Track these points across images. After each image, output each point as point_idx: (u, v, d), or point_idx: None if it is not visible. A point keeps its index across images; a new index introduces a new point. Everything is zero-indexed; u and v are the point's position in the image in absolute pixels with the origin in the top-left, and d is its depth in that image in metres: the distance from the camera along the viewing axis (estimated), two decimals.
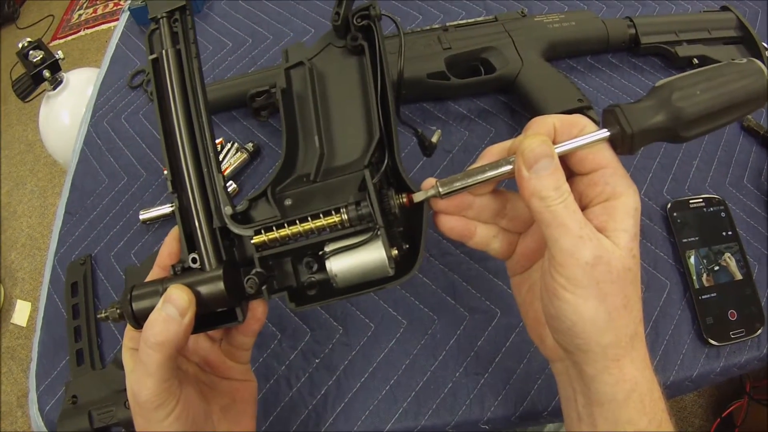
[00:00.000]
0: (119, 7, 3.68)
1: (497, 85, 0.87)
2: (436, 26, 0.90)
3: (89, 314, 0.79)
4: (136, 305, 0.46)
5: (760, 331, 0.69)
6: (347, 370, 0.69)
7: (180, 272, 0.48)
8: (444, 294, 0.73)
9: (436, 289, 0.73)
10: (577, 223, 0.42)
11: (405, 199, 0.47)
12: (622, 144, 0.45)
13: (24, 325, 2.45)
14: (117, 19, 3.51)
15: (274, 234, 0.46)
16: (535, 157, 0.43)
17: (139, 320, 0.46)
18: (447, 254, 0.76)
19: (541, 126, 0.46)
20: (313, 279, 0.49)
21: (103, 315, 0.48)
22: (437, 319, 0.72)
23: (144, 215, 0.85)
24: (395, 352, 0.70)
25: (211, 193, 0.49)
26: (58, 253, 0.87)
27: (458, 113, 0.88)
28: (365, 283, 0.46)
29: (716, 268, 0.72)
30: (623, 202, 0.44)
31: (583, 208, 0.45)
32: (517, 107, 0.88)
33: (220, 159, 0.86)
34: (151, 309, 0.45)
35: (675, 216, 0.76)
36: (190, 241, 0.49)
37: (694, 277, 0.72)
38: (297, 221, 0.46)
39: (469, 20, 0.91)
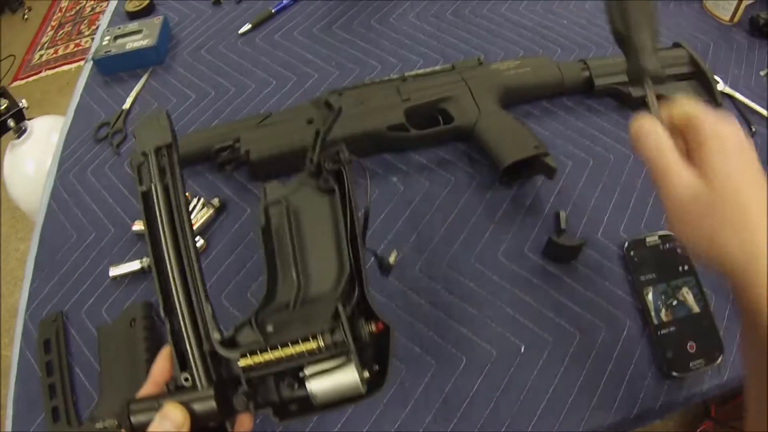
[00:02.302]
0: (80, 48, 3.68)
1: (456, 135, 0.89)
2: (395, 77, 0.93)
3: (63, 371, 0.79)
4: (135, 419, 0.49)
5: (719, 359, 0.71)
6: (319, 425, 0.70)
7: (174, 390, 0.52)
8: (411, 344, 0.74)
9: (405, 341, 0.75)
10: None
11: (374, 327, 0.52)
12: None
13: None
14: (78, 60, 3.51)
15: (259, 358, 0.50)
16: None
17: None
18: (412, 304, 0.77)
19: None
20: (294, 396, 0.52)
21: (101, 426, 0.51)
22: (405, 369, 0.73)
23: (114, 272, 0.85)
24: (366, 404, 0.70)
25: (200, 319, 0.53)
26: (29, 309, 0.87)
27: (418, 163, 0.90)
28: (341, 400, 0.50)
29: (674, 302, 0.74)
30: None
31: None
32: (475, 155, 0.89)
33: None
34: (147, 423, 0.48)
35: (632, 255, 0.77)
36: (181, 361, 0.53)
37: (653, 313, 0.73)
38: (278, 346, 0.50)
39: (427, 69, 0.93)
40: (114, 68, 1.17)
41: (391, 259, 0.72)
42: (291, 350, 0.49)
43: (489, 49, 1.06)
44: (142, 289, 0.84)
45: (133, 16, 1.29)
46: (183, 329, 0.53)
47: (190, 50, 1.18)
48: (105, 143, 1.04)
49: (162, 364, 0.55)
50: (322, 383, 0.49)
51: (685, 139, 0.55)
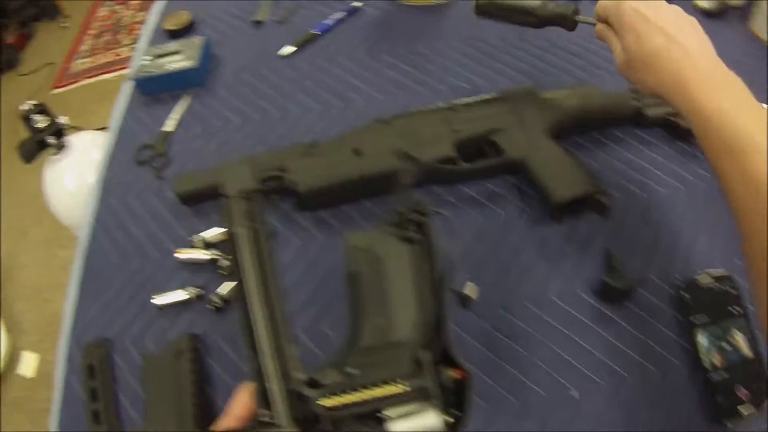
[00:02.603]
0: (119, 57, 3.72)
1: (506, 167, 0.87)
2: (443, 105, 0.91)
3: (107, 398, 0.79)
4: None
5: None
6: None
7: (257, 426, 0.53)
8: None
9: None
10: None
11: (456, 374, 0.52)
12: None
13: (30, 376, 2.45)
14: (117, 69, 3.54)
15: (341, 399, 0.51)
16: None
17: None
18: (462, 344, 0.75)
19: None
20: None
21: None
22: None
23: (158, 301, 0.85)
24: None
25: (284, 358, 0.55)
26: (73, 331, 0.87)
27: (468, 196, 0.88)
28: None
29: (725, 346, 0.71)
30: None
31: None
32: (526, 188, 0.87)
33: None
34: None
35: (684, 296, 0.75)
36: (263, 398, 0.54)
37: (704, 357, 0.71)
38: (361, 388, 0.51)
39: (476, 98, 0.92)
40: (155, 89, 1.17)
41: (472, 294, 0.74)
42: (373, 393, 0.51)
43: (537, 76, 1.04)
44: (187, 318, 0.84)
45: (173, 34, 1.30)
46: (266, 368, 0.54)
47: (232, 72, 1.18)
48: (147, 166, 1.04)
49: (242, 399, 0.56)
50: (402, 425, 0.51)
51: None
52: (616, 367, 0.72)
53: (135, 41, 3.75)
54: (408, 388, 0.51)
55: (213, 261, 0.87)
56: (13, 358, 2.51)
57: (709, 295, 0.74)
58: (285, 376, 0.54)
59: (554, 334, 0.74)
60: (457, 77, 1.05)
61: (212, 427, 0.55)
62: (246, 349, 0.56)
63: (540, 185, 0.82)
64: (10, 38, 4.17)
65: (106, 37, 4.00)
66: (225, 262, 0.85)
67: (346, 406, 0.51)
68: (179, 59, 1.16)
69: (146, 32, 1.36)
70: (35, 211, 2.99)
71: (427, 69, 1.08)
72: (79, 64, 3.87)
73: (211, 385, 0.78)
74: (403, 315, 0.58)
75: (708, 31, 1.04)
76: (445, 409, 0.51)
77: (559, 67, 1.05)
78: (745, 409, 0.67)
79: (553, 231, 0.83)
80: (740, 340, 0.72)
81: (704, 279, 0.75)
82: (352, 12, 1.24)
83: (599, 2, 0.75)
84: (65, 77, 3.80)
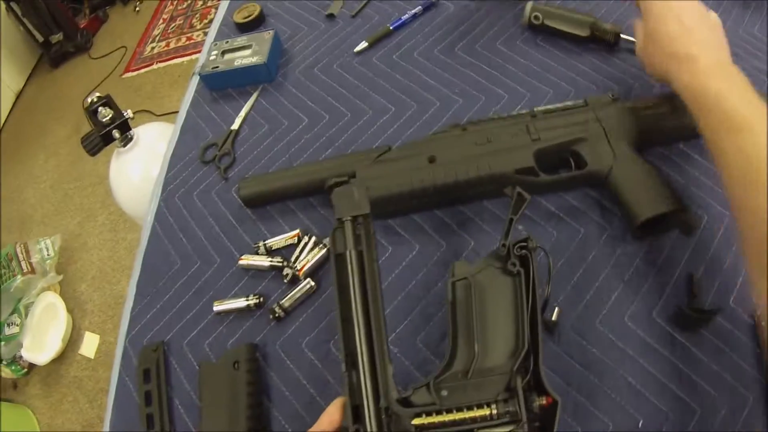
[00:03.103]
0: (191, 41, 3.78)
1: (588, 180, 0.83)
2: (523, 111, 0.87)
3: (162, 403, 0.80)
4: None
5: None
6: None
7: None
8: None
9: None
10: None
11: (544, 401, 0.56)
12: None
13: (92, 356, 2.52)
14: (190, 54, 3.61)
15: (433, 419, 0.57)
16: None
17: None
18: None
19: None
20: None
21: None
22: None
23: (219, 307, 0.85)
24: None
25: (381, 377, 0.60)
26: (129, 334, 0.88)
27: (546, 210, 0.84)
28: None
29: None
30: None
31: None
32: (607, 203, 0.83)
33: (297, 255, 0.86)
34: None
35: (763, 325, 0.70)
36: (355, 414, 0.59)
37: None
38: (453, 410, 0.57)
39: (558, 105, 0.87)
40: (222, 84, 1.17)
41: (554, 317, 0.74)
42: (464, 415, 0.56)
43: (622, 80, 0.98)
44: (247, 326, 0.84)
45: (242, 27, 1.28)
46: (363, 385, 0.60)
47: (303, 68, 1.15)
48: (212, 166, 1.03)
49: (332, 412, 0.61)
50: None
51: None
52: (686, 398, 0.68)
53: (208, 26, 3.82)
54: (498, 411, 0.56)
55: (275, 268, 0.86)
56: (74, 339, 2.59)
57: None
58: (379, 394, 0.59)
59: (626, 360, 0.71)
60: (540, 80, 1.00)
61: None
62: (344, 366, 0.62)
63: (622, 201, 0.78)
64: (83, 22, 4.30)
65: (179, 21, 4.07)
66: (288, 271, 0.84)
67: (436, 425, 0.57)
68: (248, 54, 1.14)
69: (215, 24, 1.35)
70: (102, 195, 3.08)
71: (507, 70, 1.03)
72: (151, 48, 3.95)
73: (268, 397, 0.78)
74: (499, 344, 0.62)
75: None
76: None
77: (644, 71, 0.97)
78: None
79: (634, 251, 0.79)
80: None
81: None
82: (430, 6, 1.19)
83: None
84: (137, 61, 3.89)
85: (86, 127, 1.74)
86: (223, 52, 1.16)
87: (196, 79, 1.20)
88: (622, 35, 1.00)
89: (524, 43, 1.07)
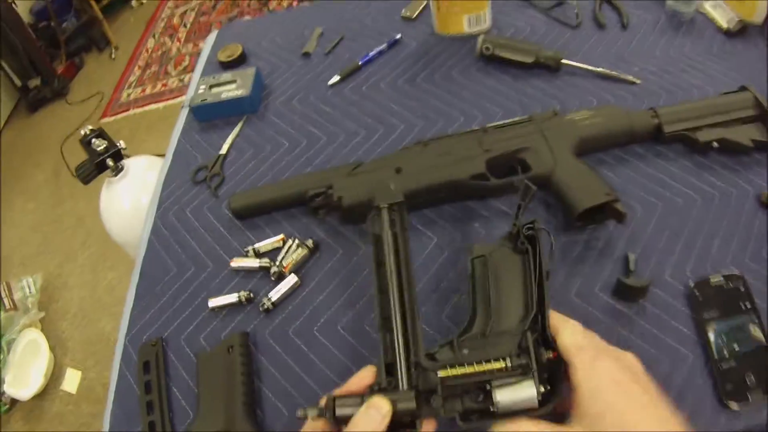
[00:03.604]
0: (166, 87, 3.83)
1: (534, 183, 0.88)
2: (477, 128, 0.98)
3: (161, 390, 0.85)
4: (339, 411, 0.62)
5: None
6: None
7: (377, 391, 0.64)
8: None
9: None
10: None
11: (551, 355, 0.64)
12: None
13: (74, 392, 2.52)
14: (165, 100, 3.64)
15: (456, 371, 0.63)
16: None
17: (338, 422, 0.62)
18: None
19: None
20: (474, 407, 0.64)
21: (301, 414, 0.63)
22: None
23: (213, 303, 0.92)
24: None
25: (412, 336, 0.69)
26: (129, 333, 0.94)
27: (499, 210, 0.94)
28: (517, 410, 0.62)
29: (735, 339, 0.75)
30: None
31: None
32: (552, 201, 0.92)
33: (283, 255, 0.94)
34: (349, 415, 0.61)
35: (696, 294, 0.79)
36: (388, 369, 0.67)
37: (714, 348, 0.74)
38: (474, 363, 0.63)
39: (507, 121, 0.98)
40: (209, 115, 1.26)
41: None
42: (483, 367, 0.63)
43: (564, 99, 1.09)
44: (238, 320, 0.91)
45: (226, 65, 1.39)
46: (396, 344, 0.68)
47: (283, 100, 1.26)
48: (203, 185, 1.12)
49: (363, 375, 0.66)
50: (506, 394, 0.61)
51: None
52: None
53: (182, 72, 3.89)
54: (511, 364, 0.62)
55: (263, 268, 0.94)
56: (56, 375, 2.59)
57: (720, 292, 0.79)
58: (410, 349, 0.67)
59: None
60: (491, 102, 1.12)
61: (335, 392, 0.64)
62: (380, 328, 0.71)
63: (563, 197, 0.88)
64: (60, 68, 4.31)
65: (154, 68, 4.13)
66: (275, 269, 0.92)
67: (458, 377, 0.63)
68: (233, 88, 1.24)
69: (200, 63, 1.46)
70: (82, 236, 3.10)
71: (462, 95, 1.15)
72: (128, 94, 3.98)
73: (259, 378, 0.84)
74: (512, 309, 0.70)
75: (727, 52, 1.08)
76: (540, 382, 0.62)
77: (585, 90, 1.10)
78: (752, 394, 0.71)
79: (576, 239, 0.88)
80: (749, 332, 0.76)
81: (715, 278, 0.80)
82: (394, 43, 1.32)
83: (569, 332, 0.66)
84: (114, 106, 3.92)
85: (64, 172, 1.81)
86: (211, 87, 1.26)
87: (185, 111, 1.29)
88: (563, 60, 1.13)
89: (477, 71, 1.19)
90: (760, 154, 0.94)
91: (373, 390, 0.64)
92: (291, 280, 0.91)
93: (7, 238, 3.37)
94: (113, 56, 4.51)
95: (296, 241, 0.96)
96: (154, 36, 4.59)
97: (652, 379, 0.62)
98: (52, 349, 2.65)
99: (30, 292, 2.84)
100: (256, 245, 0.97)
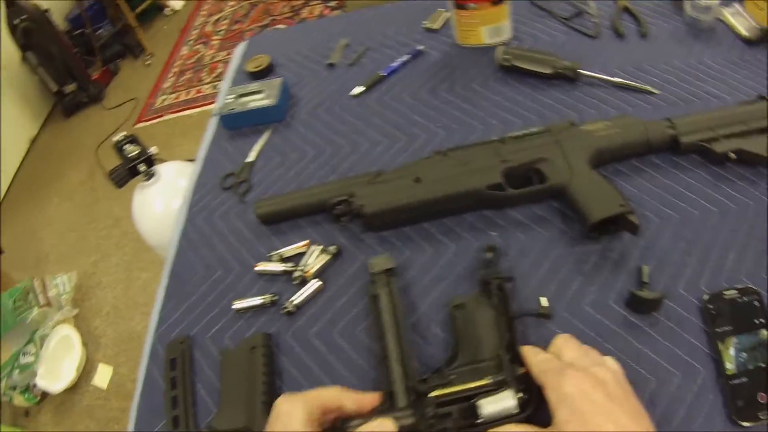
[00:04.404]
0: (200, 93, 3.90)
1: (550, 193, 0.94)
2: (495, 138, 1.00)
3: (186, 386, 0.89)
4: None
5: None
6: None
7: (380, 413, 0.72)
8: None
9: None
10: None
11: (523, 370, 0.73)
12: None
13: (104, 387, 2.61)
14: (200, 106, 3.71)
15: (446, 390, 0.73)
16: None
17: None
18: None
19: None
20: (463, 422, 0.71)
21: None
22: None
23: (237, 305, 0.95)
24: None
25: (409, 370, 0.78)
26: (158, 330, 0.98)
27: (515, 219, 0.95)
28: (501, 417, 0.70)
29: (748, 354, 0.74)
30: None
31: None
32: (568, 212, 0.94)
33: (307, 261, 0.98)
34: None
35: (710, 307, 0.78)
36: (389, 398, 0.76)
37: (726, 364, 0.73)
38: (460, 383, 0.73)
39: (524, 131, 0.99)
40: (238, 124, 1.30)
41: (545, 303, 0.85)
42: (468, 386, 0.72)
43: (583, 109, 1.10)
44: (262, 321, 0.94)
45: (254, 76, 1.43)
46: (394, 377, 0.77)
47: (308, 109, 1.29)
48: (231, 192, 1.16)
49: (367, 400, 0.73)
50: (490, 407, 0.69)
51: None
52: (642, 371, 0.75)
53: (216, 79, 3.95)
54: (492, 380, 0.71)
55: (287, 272, 0.97)
56: (88, 370, 2.67)
57: (734, 306, 0.78)
58: (406, 378, 0.77)
59: (587, 339, 0.77)
60: (510, 113, 1.13)
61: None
62: (378, 362, 0.81)
63: (578, 208, 0.89)
64: (95, 74, 4.41)
65: (188, 75, 4.20)
66: (298, 273, 0.95)
67: (447, 395, 0.72)
68: (260, 98, 1.28)
69: (229, 73, 1.50)
70: (117, 236, 3.16)
71: (481, 105, 1.17)
72: (162, 100, 4.06)
73: (280, 379, 0.86)
74: (489, 344, 0.78)
75: (747, 60, 1.09)
76: (518, 391, 0.71)
77: (603, 100, 1.11)
78: (763, 414, 0.70)
79: (590, 250, 0.89)
80: (763, 348, 0.74)
81: (729, 292, 0.79)
82: (416, 55, 1.34)
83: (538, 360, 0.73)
84: (149, 112, 3.99)
85: (99, 174, 1.87)
86: (239, 96, 1.30)
87: (215, 120, 1.34)
88: (580, 71, 1.14)
89: (496, 82, 1.21)
90: None
91: (378, 411, 0.72)
92: (314, 284, 0.94)
93: (43, 236, 3.46)
94: (148, 63, 4.59)
95: (320, 247, 0.99)
96: (188, 43, 4.68)
97: (626, 384, 0.67)
98: (84, 345, 2.73)
99: (64, 290, 2.92)
100: (281, 250, 1.00)
